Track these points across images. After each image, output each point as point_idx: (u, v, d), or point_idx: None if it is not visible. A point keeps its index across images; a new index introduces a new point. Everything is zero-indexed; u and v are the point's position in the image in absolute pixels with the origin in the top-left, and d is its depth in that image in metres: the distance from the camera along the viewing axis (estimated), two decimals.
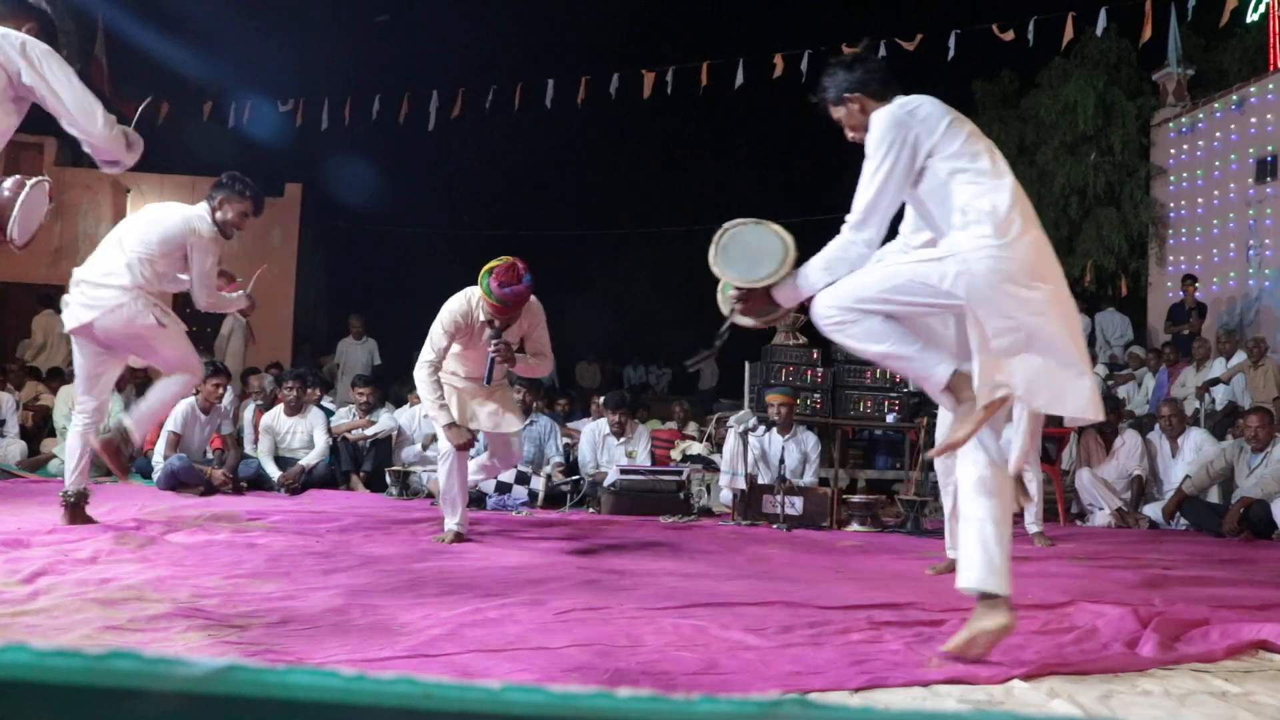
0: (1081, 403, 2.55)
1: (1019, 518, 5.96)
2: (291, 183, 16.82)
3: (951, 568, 4.12)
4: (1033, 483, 5.33)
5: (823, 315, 2.65)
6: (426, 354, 4.76)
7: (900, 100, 2.73)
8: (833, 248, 2.70)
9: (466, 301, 4.77)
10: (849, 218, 2.67)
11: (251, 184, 4.76)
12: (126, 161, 3.52)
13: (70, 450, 4.65)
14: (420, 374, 4.77)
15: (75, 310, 4.43)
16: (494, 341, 4.66)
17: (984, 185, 2.59)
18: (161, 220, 4.57)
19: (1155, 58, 15.19)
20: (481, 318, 4.72)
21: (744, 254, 2.84)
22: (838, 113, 2.90)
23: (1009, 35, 11.37)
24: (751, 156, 22.53)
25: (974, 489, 2.60)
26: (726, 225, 2.90)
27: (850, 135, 2.94)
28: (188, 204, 4.75)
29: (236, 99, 13.77)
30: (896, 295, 2.59)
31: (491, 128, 15.11)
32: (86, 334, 4.47)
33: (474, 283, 4.65)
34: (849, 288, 2.65)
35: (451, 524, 4.85)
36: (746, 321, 2.93)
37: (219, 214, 4.66)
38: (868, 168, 2.66)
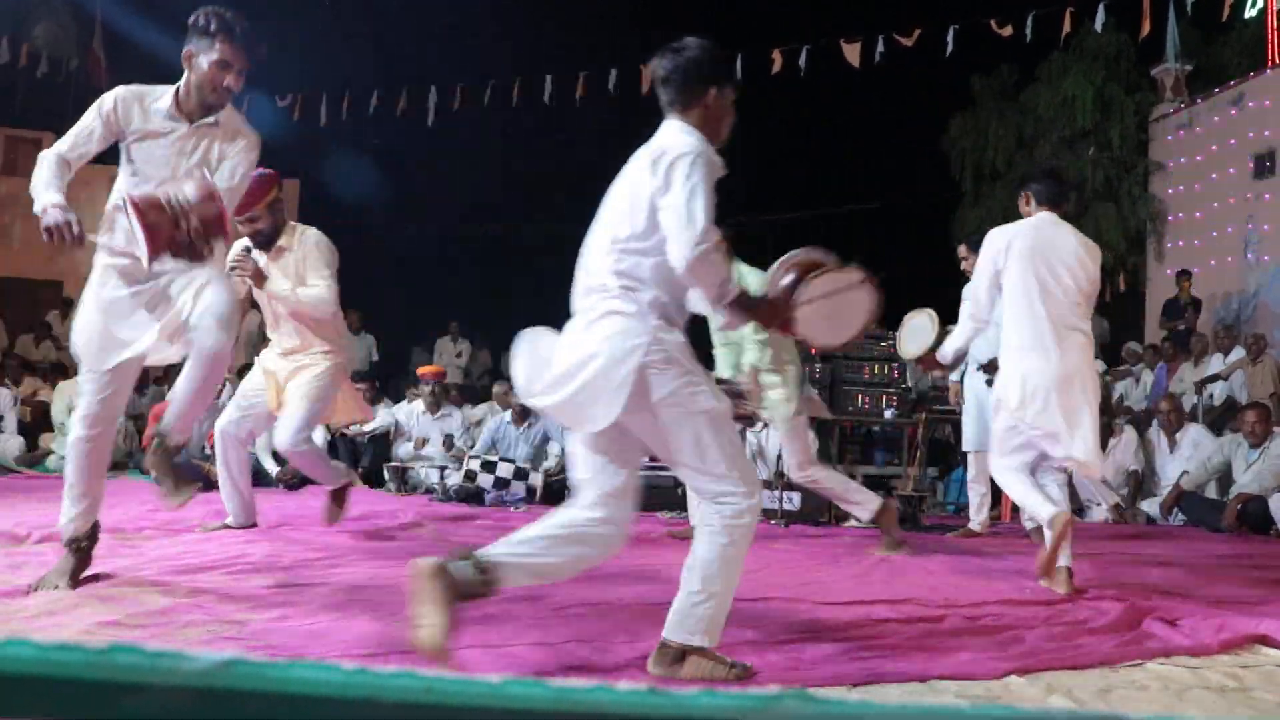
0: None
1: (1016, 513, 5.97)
2: (290, 178, 16.81)
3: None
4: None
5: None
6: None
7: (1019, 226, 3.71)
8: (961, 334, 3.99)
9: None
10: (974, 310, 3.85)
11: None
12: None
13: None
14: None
15: None
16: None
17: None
18: None
19: (1154, 53, 15.16)
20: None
21: (911, 334, 4.35)
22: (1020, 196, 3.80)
23: (1007, 30, 11.35)
24: (748, 152, 22.46)
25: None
26: (907, 317, 4.44)
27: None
28: None
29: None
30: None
31: (490, 124, 15.05)
32: None
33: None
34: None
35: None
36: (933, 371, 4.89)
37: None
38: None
